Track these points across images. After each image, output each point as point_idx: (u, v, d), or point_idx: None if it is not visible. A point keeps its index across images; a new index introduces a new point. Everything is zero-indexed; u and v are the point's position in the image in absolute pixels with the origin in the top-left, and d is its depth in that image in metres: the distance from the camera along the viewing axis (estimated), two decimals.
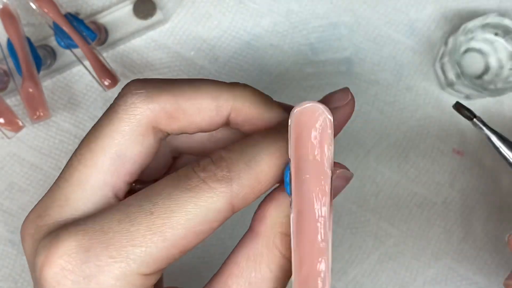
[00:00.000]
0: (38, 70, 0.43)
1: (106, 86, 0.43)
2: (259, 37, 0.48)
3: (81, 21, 0.44)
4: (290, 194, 0.26)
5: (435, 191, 0.49)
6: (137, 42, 0.48)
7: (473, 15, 0.48)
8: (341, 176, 0.29)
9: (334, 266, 0.48)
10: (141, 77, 0.39)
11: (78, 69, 0.48)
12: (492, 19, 0.44)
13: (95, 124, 0.29)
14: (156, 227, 0.26)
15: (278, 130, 0.29)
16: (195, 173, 0.27)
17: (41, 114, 0.42)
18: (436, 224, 0.49)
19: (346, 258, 0.49)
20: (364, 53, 0.48)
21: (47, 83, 0.48)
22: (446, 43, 0.47)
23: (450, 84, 0.47)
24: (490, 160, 0.49)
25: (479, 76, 0.47)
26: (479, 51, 0.48)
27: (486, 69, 0.47)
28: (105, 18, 0.47)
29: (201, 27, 0.48)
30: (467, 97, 0.47)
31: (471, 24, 0.44)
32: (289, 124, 0.26)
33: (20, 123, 0.42)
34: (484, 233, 0.49)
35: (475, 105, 0.48)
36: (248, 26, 0.48)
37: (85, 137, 0.29)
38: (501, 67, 0.46)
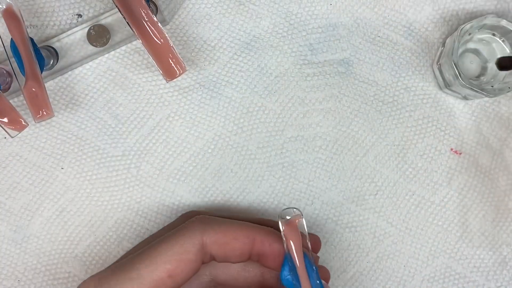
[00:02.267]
0: (41, 70, 0.43)
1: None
2: (259, 38, 0.49)
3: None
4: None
5: (433, 191, 0.49)
6: (138, 44, 0.48)
7: (470, 16, 0.48)
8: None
9: (333, 265, 0.49)
10: (145, 77, 0.45)
11: (80, 70, 0.48)
12: (489, 20, 0.45)
13: (162, 239, 0.39)
14: (149, 257, 0.37)
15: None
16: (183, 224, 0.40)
17: (45, 113, 0.42)
18: (433, 223, 0.49)
19: (345, 256, 0.49)
20: (362, 54, 0.49)
21: (49, 84, 0.48)
22: (444, 44, 0.47)
23: (448, 85, 0.47)
24: (487, 160, 0.49)
25: (477, 77, 0.48)
26: (477, 52, 0.48)
27: (483, 70, 0.48)
28: (106, 19, 0.47)
29: (201, 28, 0.48)
30: (465, 97, 0.48)
31: (468, 26, 0.44)
32: (282, 230, 0.38)
33: (23, 122, 0.42)
34: (481, 232, 0.49)
35: (472, 105, 0.49)
36: (248, 27, 0.49)
37: (160, 240, 0.39)
38: None
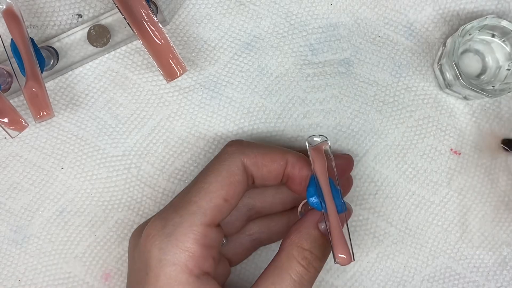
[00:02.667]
0: (42, 70, 0.43)
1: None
2: (259, 39, 0.49)
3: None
4: (311, 199, 0.40)
5: (433, 191, 0.49)
6: (139, 44, 0.48)
7: (471, 16, 0.48)
8: (348, 210, 0.42)
9: (333, 264, 0.49)
10: (146, 77, 0.45)
11: (80, 70, 0.48)
12: (489, 21, 0.45)
13: (207, 169, 0.41)
14: (203, 189, 0.40)
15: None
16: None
17: (45, 113, 0.42)
18: (433, 223, 0.49)
19: None
20: (363, 54, 0.49)
21: (50, 84, 0.48)
22: (444, 44, 0.47)
23: (449, 85, 0.47)
24: (487, 160, 0.49)
25: (477, 77, 0.48)
26: (477, 52, 0.48)
27: (484, 70, 0.48)
28: (107, 19, 0.47)
29: (201, 28, 0.48)
30: (465, 97, 0.48)
31: (469, 26, 0.44)
32: (309, 154, 0.40)
33: (24, 123, 0.42)
34: (481, 232, 0.49)
35: (473, 105, 0.49)
36: (248, 27, 0.49)
37: (205, 172, 0.41)
38: (498, 68, 0.47)
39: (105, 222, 0.49)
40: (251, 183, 0.42)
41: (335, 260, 0.38)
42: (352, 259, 0.38)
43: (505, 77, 0.46)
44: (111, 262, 0.49)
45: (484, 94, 0.44)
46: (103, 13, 0.48)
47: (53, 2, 0.48)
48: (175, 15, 0.48)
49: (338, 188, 0.40)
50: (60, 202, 0.49)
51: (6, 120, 0.42)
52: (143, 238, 0.39)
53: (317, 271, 0.40)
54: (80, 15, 0.48)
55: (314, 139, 0.41)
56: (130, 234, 0.49)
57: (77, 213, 0.49)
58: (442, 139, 0.49)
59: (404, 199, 0.49)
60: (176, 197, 0.42)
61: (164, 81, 0.48)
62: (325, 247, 0.40)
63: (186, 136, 0.49)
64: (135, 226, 0.49)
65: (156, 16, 0.43)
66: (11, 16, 0.43)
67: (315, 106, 0.49)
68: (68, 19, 0.48)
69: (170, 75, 0.43)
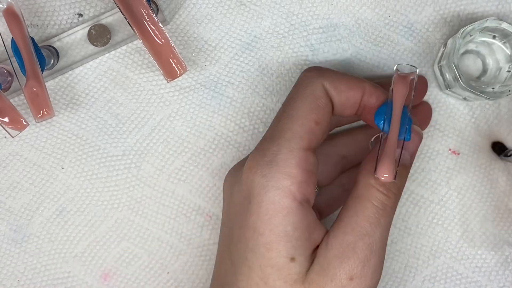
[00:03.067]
0: (42, 70, 0.43)
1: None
2: (260, 39, 0.49)
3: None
4: (382, 125, 0.39)
5: (431, 189, 0.49)
6: (139, 44, 0.48)
7: (471, 17, 0.48)
8: (415, 131, 0.41)
9: None
10: (146, 77, 0.45)
11: (81, 70, 0.48)
12: (490, 23, 0.45)
13: (291, 97, 0.41)
14: (293, 116, 0.40)
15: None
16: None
17: (45, 113, 0.42)
18: (433, 222, 0.49)
19: None
20: (363, 54, 0.49)
21: (50, 83, 0.48)
22: (445, 45, 0.47)
23: (449, 86, 0.47)
24: (487, 160, 0.49)
25: (477, 79, 0.48)
26: (477, 53, 0.48)
27: (484, 72, 0.48)
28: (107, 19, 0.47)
29: (202, 28, 0.48)
30: (465, 99, 0.48)
31: (469, 28, 0.44)
32: (393, 78, 0.39)
33: (24, 122, 0.42)
34: (482, 232, 0.49)
35: (473, 106, 0.49)
36: (249, 27, 0.49)
37: (288, 101, 0.41)
38: (498, 69, 0.47)
39: (104, 222, 0.49)
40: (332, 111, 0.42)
41: (375, 174, 0.38)
42: (393, 179, 0.37)
43: (505, 79, 0.46)
44: (110, 262, 0.49)
45: (483, 97, 0.44)
46: (103, 13, 0.48)
47: (53, 2, 0.48)
48: (175, 14, 0.48)
49: (409, 119, 0.39)
50: (60, 202, 0.48)
51: (6, 119, 0.42)
52: (245, 170, 0.40)
53: (397, 197, 0.40)
54: (80, 15, 0.48)
55: (403, 67, 0.40)
56: (129, 234, 0.49)
57: (77, 212, 0.49)
58: (440, 139, 0.49)
59: (403, 198, 0.49)
60: (267, 130, 0.42)
61: (165, 81, 0.48)
62: (400, 173, 0.39)
63: (186, 135, 0.49)
64: (135, 226, 0.49)
65: (156, 15, 0.43)
66: (12, 15, 0.43)
67: None
68: (68, 18, 0.48)
69: (170, 74, 0.43)
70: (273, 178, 0.38)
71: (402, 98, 0.39)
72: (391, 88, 0.39)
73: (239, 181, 0.40)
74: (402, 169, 0.40)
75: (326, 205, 0.47)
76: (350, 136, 0.47)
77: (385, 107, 0.39)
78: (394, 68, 0.40)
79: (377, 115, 0.40)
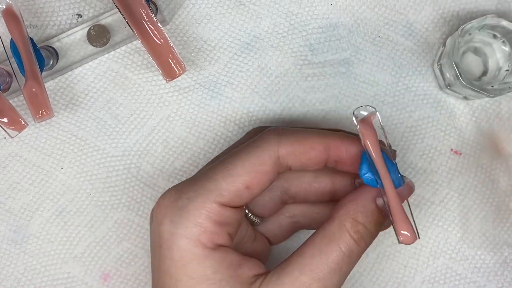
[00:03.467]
0: (41, 70, 0.43)
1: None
2: (259, 39, 0.49)
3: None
4: (365, 175, 0.37)
5: (433, 191, 0.49)
6: (139, 44, 0.48)
7: (471, 16, 0.48)
8: (408, 185, 0.39)
9: None
10: (145, 77, 0.45)
11: (80, 70, 0.48)
12: (490, 20, 0.45)
13: (238, 151, 0.39)
14: (226, 170, 0.38)
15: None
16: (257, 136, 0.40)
17: (45, 113, 0.42)
18: (434, 223, 0.49)
19: None
20: (363, 54, 0.49)
21: (49, 84, 0.48)
22: (444, 44, 0.47)
23: (449, 85, 0.47)
24: (488, 160, 0.49)
25: (477, 77, 0.48)
26: (477, 52, 0.48)
27: (484, 70, 0.48)
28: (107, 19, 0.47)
29: (201, 28, 0.48)
30: (466, 97, 0.48)
31: (469, 26, 0.44)
32: (357, 128, 0.37)
33: (23, 122, 0.42)
34: (482, 233, 0.49)
35: (473, 105, 0.49)
36: (248, 27, 0.49)
37: (235, 153, 0.39)
38: (498, 68, 0.47)
39: (104, 222, 0.49)
40: (284, 171, 0.40)
41: (398, 240, 0.36)
42: (417, 237, 0.36)
43: (504, 77, 0.46)
44: (110, 263, 0.49)
45: (484, 94, 0.44)
46: (103, 13, 0.48)
47: (53, 2, 0.48)
48: (174, 15, 0.48)
49: (394, 162, 0.38)
50: (60, 202, 0.48)
51: (5, 120, 0.42)
52: (156, 206, 0.38)
53: (367, 246, 0.38)
54: (80, 15, 0.48)
55: (361, 112, 0.37)
56: (129, 234, 0.49)
57: (76, 213, 0.49)
58: (442, 139, 0.49)
59: None
60: (199, 171, 0.41)
61: (164, 81, 0.48)
62: (380, 223, 0.38)
63: (186, 136, 0.49)
64: (135, 226, 0.49)
65: (155, 16, 0.43)
66: (11, 16, 0.43)
67: (315, 106, 0.49)
68: (68, 19, 0.48)
69: (169, 75, 0.43)
70: (182, 226, 0.37)
71: (377, 144, 0.37)
72: (362, 141, 0.38)
73: (152, 222, 0.39)
74: (381, 217, 0.38)
75: (273, 234, 0.45)
76: (294, 172, 0.44)
77: (366, 162, 0.38)
78: (353, 115, 0.38)
79: (361, 172, 0.38)
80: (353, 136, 0.40)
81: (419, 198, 0.49)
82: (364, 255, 0.48)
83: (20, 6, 0.47)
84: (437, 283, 0.49)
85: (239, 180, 0.38)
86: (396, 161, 0.47)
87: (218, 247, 0.37)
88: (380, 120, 0.37)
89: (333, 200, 0.43)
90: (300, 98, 0.48)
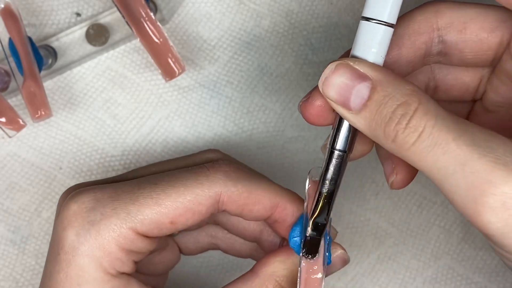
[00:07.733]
0: (40, 69, 0.43)
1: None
2: (259, 38, 0.48)
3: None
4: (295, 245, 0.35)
5: (435, 191, 0.49)
6: (138, 43, 0.48)
7: None
8: (340, 257, 0.38)
9: None
10: (144, 77, 0.45)
11: (79, 69, 0.48)
12: None
13: (174, 179, 0.35)
14: (156, 197, 0.34)
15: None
16: (203, 166, 0.36)
17: (43, 113, 0.42)
18: (435, 223, 0.49)
19: None
20: None
21: (48, 83, 0.48)
22: None
23: None
24: None
25: None
26: None
27: None
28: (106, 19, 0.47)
29: (201, 27, 0.48)
30: None
31: None
32: (306, 189, 0.35)
33: (21, 122, 0.42)
34: None
35: None
36: (248, 26, 0.48)
37: (173, 179, 0.36)
38: None
39: None
40: (218, 212, 0.37)
41: None
42: None
43: None
44: None
45: None
46: (101, 12, 0.47)
47: (51, 1, 0.48)
48: (174, 14, 0.48)
49: (328, 238, 0.36)
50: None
51: (3, 119, 0.42)
52: (65, 204, 0.35)
53: None
54: (78, 14, 0.48)
55: (317, 171, 0.35)
56: None
57: None
58: None
59: (405, 199, 0.49)
60: (137, 170, 0.38)
61: (163, 80, 0.48)
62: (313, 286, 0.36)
63: (185, 136, 0.48)
64: None
65: (155, 15, 0.43)
66: (9, 15, 0.43)
67: None
68: (66, 18, 0.48)
69: (169, 74, 0.43)
70: (86, 243, 0.34)
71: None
72: (305, 203, 0.35)
73: (57, 215, 0.36)
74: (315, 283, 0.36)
75: (187, 247, 0.43)
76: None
77: (301, 226, 0.36)
78: (308, 173, 0.35)
79: (292, 234, 0.36)
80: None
81: (420, 199, 0.49)
82: (365, 256, 0.49)
83: (18, 5, 0.47)
84: (439, 283, 0.49)
85: (166, 214, 0.34)
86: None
87: (120, 274, 0.35)
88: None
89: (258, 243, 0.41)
90: (301, 97, 0.48)
